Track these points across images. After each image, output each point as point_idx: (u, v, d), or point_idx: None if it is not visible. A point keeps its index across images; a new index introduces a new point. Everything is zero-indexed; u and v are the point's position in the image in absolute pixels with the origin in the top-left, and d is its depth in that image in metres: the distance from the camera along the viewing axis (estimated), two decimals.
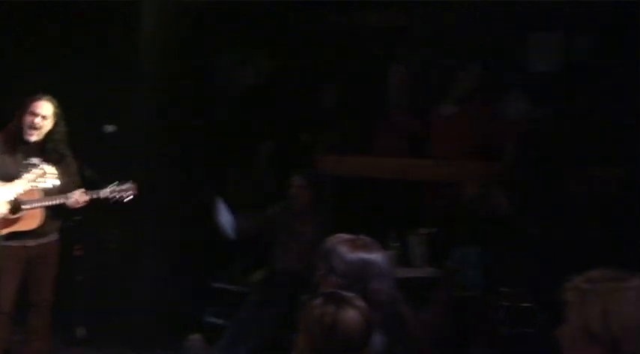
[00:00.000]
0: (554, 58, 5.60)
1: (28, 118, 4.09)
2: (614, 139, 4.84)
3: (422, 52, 5.72)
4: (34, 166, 3.91)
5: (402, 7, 6.17)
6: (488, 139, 5.05)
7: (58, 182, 3.95)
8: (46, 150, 4.13)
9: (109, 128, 5.19)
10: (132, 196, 4.17)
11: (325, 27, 6.46)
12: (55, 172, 3.91)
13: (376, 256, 2.34)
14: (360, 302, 2.02)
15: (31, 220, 4.08)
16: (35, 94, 4.13)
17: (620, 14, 4.71)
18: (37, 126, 4.09)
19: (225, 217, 4.86)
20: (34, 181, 3.85)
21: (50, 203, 4.06)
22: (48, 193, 4.04)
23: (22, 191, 3.86)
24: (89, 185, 4.22)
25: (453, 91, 5.29)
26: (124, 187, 4.17)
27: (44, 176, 3.86)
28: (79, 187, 4.15)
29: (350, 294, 2.06)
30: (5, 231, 4.02)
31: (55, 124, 4.16)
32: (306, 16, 6.56)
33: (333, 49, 6.48)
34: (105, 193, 4.14)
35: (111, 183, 4.17)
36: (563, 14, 5.52)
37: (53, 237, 4.25)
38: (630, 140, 4.59)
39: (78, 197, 4.07)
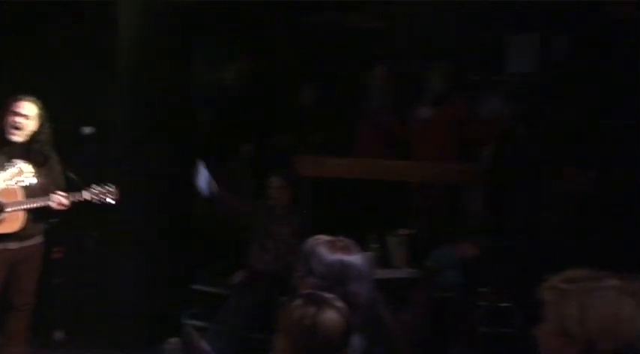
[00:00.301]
0: (533, 59, 5.65)
1: (10, 118, 4.07)
2: (589, 139, 4.90)
3: (401, 52, 5.74)
4: (11, 164, 3.88)
5: (383, 8, 6.19)
6: (466, 140, 5.07)
7: (35, 181, 3.92)
8: (30, 151, 4.10)
9: (87, 130, 5.15)
10: (114, 199, 4.16)
11: (305, 27, 6.47)
12: (32, 170, 3.88)
13: (355, 258, 2.34)
14: (339, 303, 2.02)
15: (12, 223, 4.04)
16: (18, 95, 4.10)
17: (595, 15, 4.76)
18: (20, 126, 4.06)
19: (203, 180, 4.89)
20: (10, 179, 3.82)
21: (33, 205, 4.03)
22: (30, 195, 4.02)
23: None
24: (71, 187, 4.19)
25: (429, 92, 5.30)
26: (106, 189, 4.15)
27: (21, 175, 3.83)
28: (62, 189, 4.12)
29: (329, 295, 2.06)
30: None
31: (40, 126, 4.13)
32: (285, 16, 6.57)
33: (313, 50, 6.49)
34: (87, 195, 4.12)
35: (92, 185, 4.15)
36: (541, 15, 5.58)
37: (37, 240, 4.21)
38: (605, 141, 4.64)
39: (60, 200, 4.04)
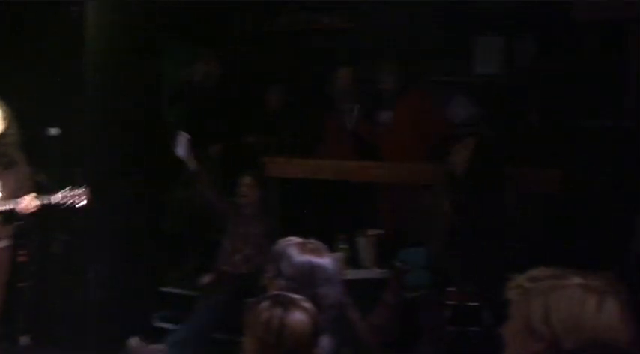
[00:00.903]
0: (498, 62, 5.71)
1: None
2: (554, 140, 4.96)
3: (367, 54, 5.75)
4: None
5: (349, 9, 6.21)
6: (430, 140, 5.10)
7: (1, 184, 3.86)
8: None
9: (54, 131, 5.08)
10: (84, 202, 4.11)
11: (273, 28, 6.47)
12: None
13: (325, 261, 2.35)
14: (306, 304, 2.02)
15: None
16: None
17: (559, 17, 4.82)
18: None
19: (182, 150, 5.00)
20: None
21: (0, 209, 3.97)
22: None
23: None
24: (40, 190, 4.14)
25: (387, 93, 5.31)
26: (75, 192, 4.09)
27: None
28: (31, 192, 4.06)
29: (297, 296, 2.06)
30: None
31: (7, 128, 4.07)
32: (252, 17, 6.56)
33: (281, 51, 6.49)
34: (56, 198, 4.06)
35: (62, 188, 4.10)
36: (506, 17, 5.64)
37: (4, 243, 4.15)
38: (570, 141, 4.70)
39: (28, 203, 3.99)
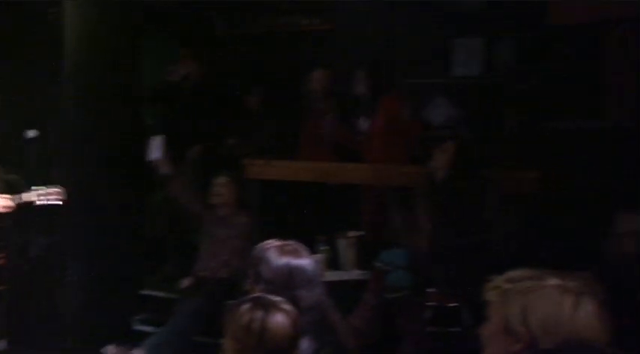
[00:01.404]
0: (476, 64, 5.74)
1: None
2: (532, 141, 5.01)
3: (345, 56, 5.76)
4: None
5: (327, 12, 6.22)
6: (408, 144, 5.12)
7: None
8: None
9: (31, 133, 5.04)
10: (59, 201, 4.07)
11: (252, 30, 6.47)
12: None
13: (303, 262, 2.35)
14: (287, 306, 2.03)
15: None
16: None
17: (537, 19, 4.87)
18: None
19: (156, 153, 4.97)
20: None
21: None
22: None
23: None
24: (14, 190, 4.10)
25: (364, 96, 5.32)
26: (49, 191, 4.06)
27: None
28: (3, 192, 4.02)
29: (277, 298, 2.06)
30: None
31: None
32: (232, 19, 6.55)
33: (261, 53, 6.49)
34: (29, 197, 4.02)
35: (37, 188, 4.06)
36: (485, 19, 5.68)
37: None
38: (547, 141, 4.75)
39: (1, 203, 3.95)
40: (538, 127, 4.98)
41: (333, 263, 4.84)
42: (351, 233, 4.93)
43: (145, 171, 5.50)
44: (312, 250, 4.75)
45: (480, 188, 4.27)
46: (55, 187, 4.08)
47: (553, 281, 1.62)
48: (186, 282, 4.88)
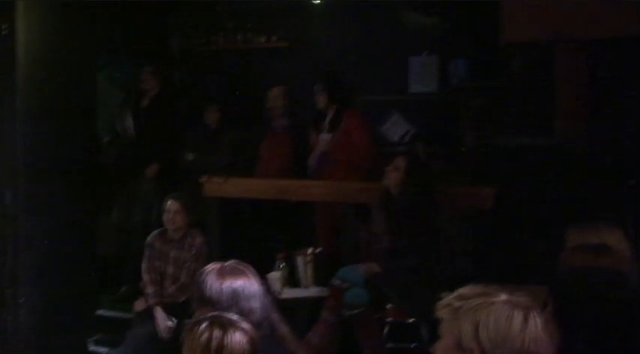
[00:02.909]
0: (432, 81, 5.85)
1: None
2: (486, 158, 5.11)
3: (304, 73, 5.82)
4: None
5: (285, 30, 6.28)
6: (365, 160, 5.17)
7: None
8: None
9: None
10: None
11: (211, 47, 6.49)
12: None
13: (245, 281, 2.40)
14: (245, 324, 2.05)
15: None
16: None
17: (490, 39, 4.98)
18: None
19: None
20: None
21: None
22: None
23: None
24: None
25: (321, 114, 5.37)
26: None
27: None
28: None
29: (235, 316, 2.09)
30: None
31: None
32: (191, 35, 6.57)
33: (220, 69, 6.52)
34: None
35: None
36: (440, 39, 5.79)
37: None
38: (501, 157, 4.85)
39: None
40: (492, 144, 5.08)
41: (291, 280, 4.86)
42: (309, 250, 4.95)
43: (99, 188, 5.46)
44: (270, 268, 4.80)
45: (433, 204, 4.33)
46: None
47: (502, 297, 1.67)
48: (139, 305, 4.77)
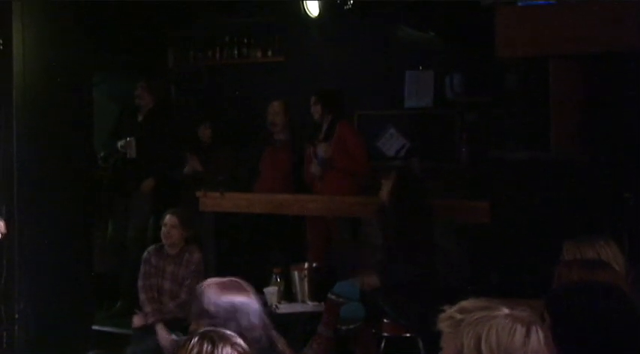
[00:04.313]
0: (428, 95, 5.87)
1: None
2: (483, 172, 5.11)
3: (301, 87, 5.83)
4: None
5: (281, 44, 6.30)
6: (361, 166, 5.18)
7: None
8: None
9: None
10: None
11: (208, 62, 6.50)
12: None
13: (245, 298, 2.39)
14: (238, 340, 2.03)
15: None
16: None
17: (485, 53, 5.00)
18: None
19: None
20: None
21: None
22: None
23: None
24: None
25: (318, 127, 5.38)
26: None
27: None
28: None
29: (228, 331, 2.07)
30: None
31: None
32: (188, 50, 6.58)
33: (215, 85, 6.53)
34: None
35: None
36: (436, 54, 5.81)
37: None
38: (499, 172, 4.85)
39: None
40: (487, 158, 5.08)
41: (286, 295, 4.84)
42: (305, 265, 4.93)
43: (95, 203, 5.44)
44: (266, 283, 4.77)
45: (427, 218, 4.33)
46: None
47: (504, 311, 1.67)
48: (137, 322, 4.71)
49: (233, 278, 2.47)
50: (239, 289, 2.42)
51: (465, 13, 4.99)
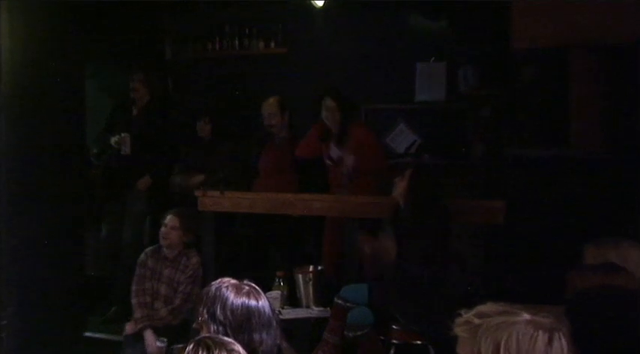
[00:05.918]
0: (440, 88, 5.84)
1: None
2: (496, 170, 5.09)
3: (305, 81, 5.81)
4: None
5: (283, 35, 6.29)
6: (372, 172, 5.15)
7: None
8: None
9: None
10: None
11: (206, 54, 6.49)
12: None
13: (261, 304, 2.34)
14: (236, 347, 2.00)
15: None
16: None
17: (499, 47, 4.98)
18: None
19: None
20: None
21: None
22: None
23: None
24: None
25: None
26: None
27: None
28: None
29: (226, 338, 2.04)
30: None
31: None
32: (185, 42, 6.57)
33: (214, 77, 6.51)
34: None
35: None
36: (449, 47, 5.79)
37: None
38: (514, 169, 4.83)
39: None
40: (502, 154, 5.06)
41: (290, 300, 4.82)
42: (310, 267, 4.91)
43: (88, 204, 5.43)
44: (269, 286, 4.76)
45: (442, 217, 4.30)
46: None
47: (525, 316, 1.65)
48: (129, 329, 4.71)
49: (248, 282, 2.40)
50: (255, 295, 2.34)
51: (480, 1, 4.97)
